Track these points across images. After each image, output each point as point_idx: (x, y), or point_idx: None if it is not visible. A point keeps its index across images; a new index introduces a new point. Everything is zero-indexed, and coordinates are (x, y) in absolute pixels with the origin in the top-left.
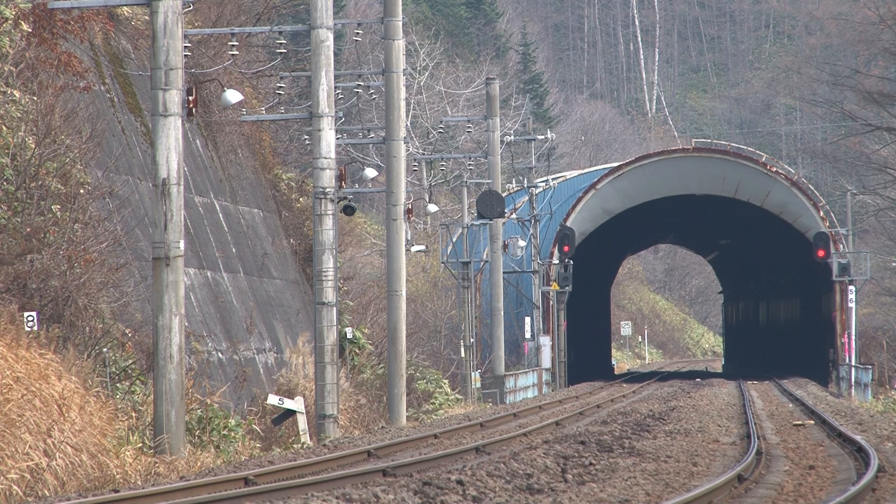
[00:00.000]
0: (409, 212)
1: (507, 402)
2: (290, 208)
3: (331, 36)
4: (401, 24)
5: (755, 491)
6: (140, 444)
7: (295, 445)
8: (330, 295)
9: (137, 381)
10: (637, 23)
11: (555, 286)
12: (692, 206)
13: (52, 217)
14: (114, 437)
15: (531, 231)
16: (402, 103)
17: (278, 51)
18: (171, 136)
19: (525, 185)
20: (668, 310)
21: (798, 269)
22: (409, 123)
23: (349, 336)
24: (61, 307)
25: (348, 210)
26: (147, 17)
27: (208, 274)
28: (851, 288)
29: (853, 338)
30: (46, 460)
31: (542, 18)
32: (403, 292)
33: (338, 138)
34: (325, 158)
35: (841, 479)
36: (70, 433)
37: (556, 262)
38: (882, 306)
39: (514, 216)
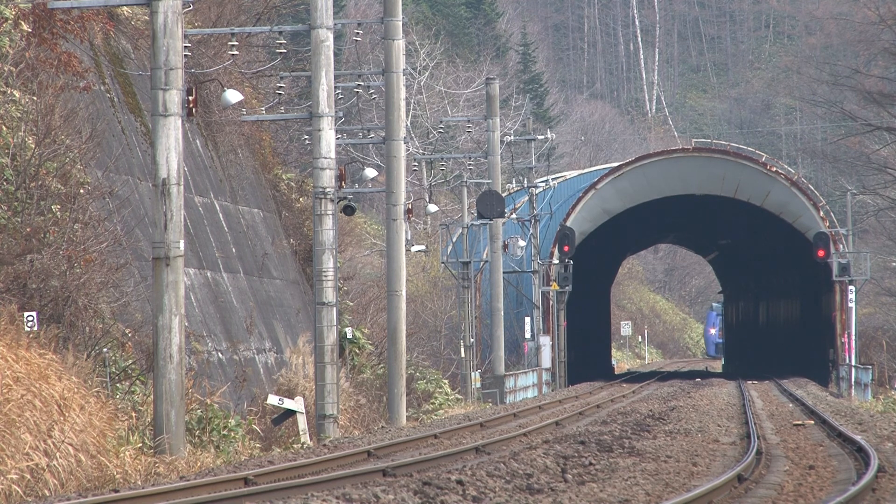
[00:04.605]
0: (409, 212)
1: (507, 402)
2: (290, 208)
3: (331, 36)
4: (401, 24)
5: (755, 491)
6: (140, 444)
7: (295, 445)
8: (330, 295)
9: (137, 381)
10: (637, 23)
11: (555, 286)
12: (692, 206)
13: (52, 217)
14: (114, 437)
15: (531, 231)
16: (402, 103)
17: (278, 51)
18: (171, 136)
19: (525, 185)
20: (668, 310)
21: (798, 269)
22: (409, 123)
23: (349, 336)
24: (61, 307)
25: (348, 210)
26: (147, 17)
27: (208, 274)
28: (851, 288)
29: (853, 338)
30: (46, 460)
31: (542, 18)
32: (403, 292)
33: (338, 138)
34: (325, 158)
35: (841, 479)
36: (70, 433)
37: (556, 262)
38: (882, 306)
39: (514, 216)
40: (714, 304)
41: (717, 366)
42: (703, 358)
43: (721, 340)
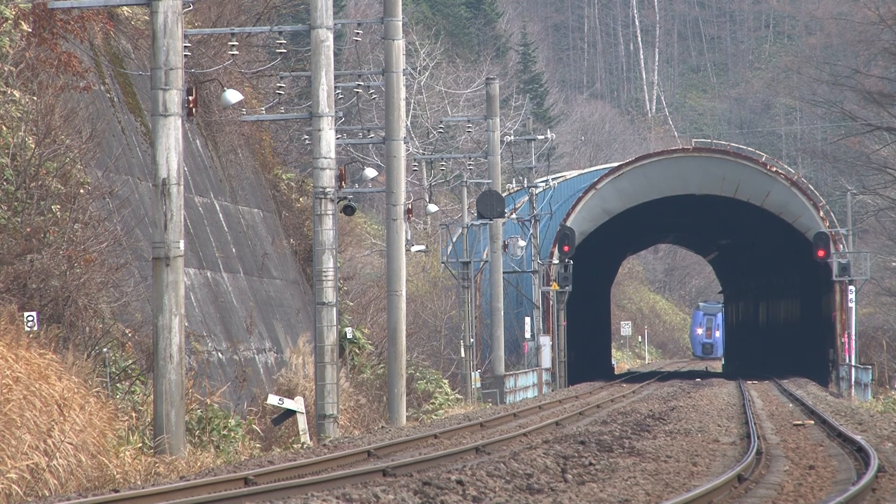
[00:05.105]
0: (409, 212)
1: (507, 402)
2: (290, 208)
3: (331, 36)
4: (401, 24)
5: (755, 491)
6: (140, 444)
7: (295, 445)
8: (330, 295)
9: (137, 381)
10: (637, 23)
11: (555, 286)
12: (692, 206)
13: (52, 217)
14: (114, 437)
15: (531, 231)
16: (402, 103)
17: (278, 51)
18: (171, 136)
19: (525, 185)
20: (668, 310)
21: (798, 269)
22: (409, 123)
23: (349, 336)
24: (61, 307)
25: (348, 210)
26: (147, 17)
27: (208, 274)
28: (851, 288)
29: (853, 338)
30: (46, 460)
31: (542, 18)
32: (403, 292)
33: (338, 138)
34: (325, 158)
35: (841, 479)
36: (70, 433)
37: (556, 262)
38: (882, 306)
39: (514, 216)
40: (700, 304)
41: (717, 366)
42: (691, 358)
43: (708, 340)
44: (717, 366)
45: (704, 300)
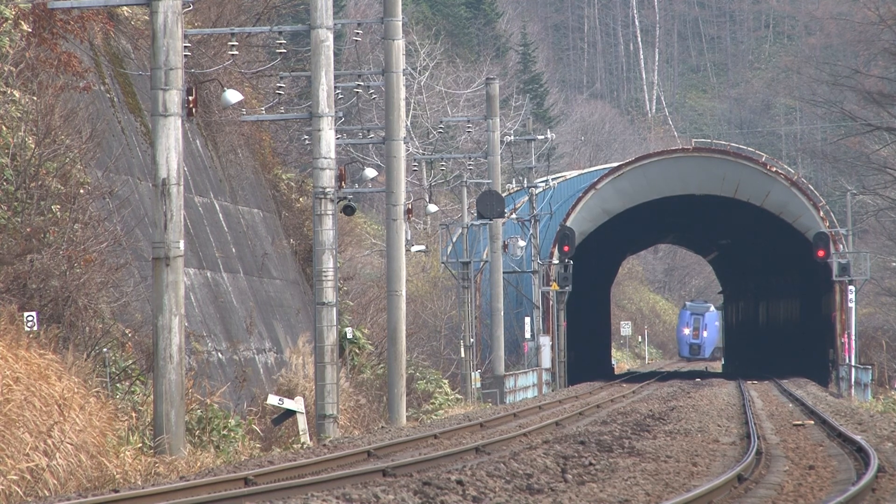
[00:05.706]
0: (409, 212)
1: (507, 402)
2: (290, 208)
3: (331, 36)
4: (401, 24)
5: (755, 491)
6: (140, 444)
7: (295, 445)
8: (330, 295)
9: (137, 381)
10: (637, 23)
11: (555, 286)
12: (692, 206)
13: (52, 217)
14: (114, 437)
15: (531, 231)
16: (402, 103)
17: (278, 51)
18: (171, 136)
19: (525, 185)
20: (668, 310)
21: (798, 269)
22: (409, 123)
23: (349, 336)
24: (61, 307)
25: (348, 210)
26: (147, 17)
27: (208, 274)
28: (851, 288)
29: (853, 338)
30: (46, 460)
31: (542, 18)
32: (403, 292)
33: (338, 138)
34: (325, 158)
35: (841, 479)
36: (70, 433)
37: (556, 262)
38: (882, 306)
39: (514, 216)
40: (687, 303)
41: (715, 366)
42: (678, 359)
43: (696, 341)
44: (714, 366)
45: (691, 299)
